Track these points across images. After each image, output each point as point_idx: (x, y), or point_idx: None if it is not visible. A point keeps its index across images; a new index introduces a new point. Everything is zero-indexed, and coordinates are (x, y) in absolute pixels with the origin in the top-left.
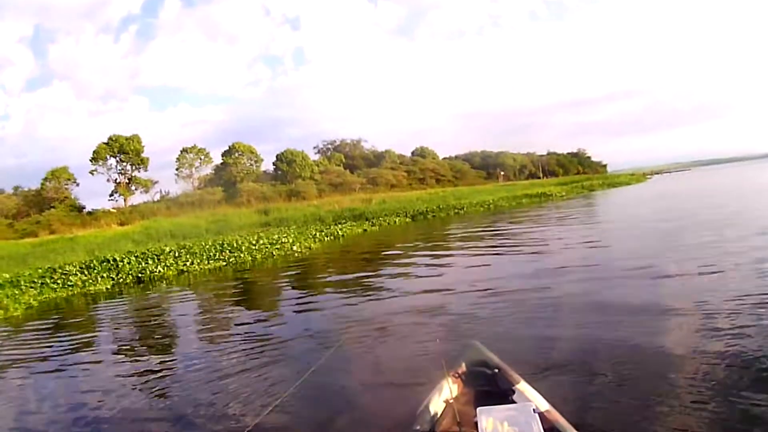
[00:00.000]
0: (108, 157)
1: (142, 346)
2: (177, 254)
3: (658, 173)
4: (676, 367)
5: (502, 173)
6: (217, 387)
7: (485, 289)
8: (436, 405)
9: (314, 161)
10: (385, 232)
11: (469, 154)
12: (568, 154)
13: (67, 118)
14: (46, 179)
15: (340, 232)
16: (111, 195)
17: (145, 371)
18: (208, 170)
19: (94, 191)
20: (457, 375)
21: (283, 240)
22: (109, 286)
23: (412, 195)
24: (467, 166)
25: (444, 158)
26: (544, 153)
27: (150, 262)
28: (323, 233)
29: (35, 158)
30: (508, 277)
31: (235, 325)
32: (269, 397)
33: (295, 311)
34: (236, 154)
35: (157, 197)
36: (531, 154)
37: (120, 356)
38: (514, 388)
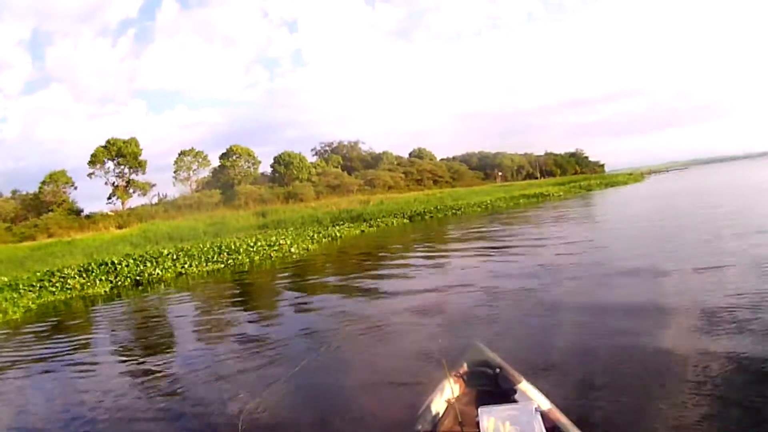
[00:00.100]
0: (106, 160)
1: (140, 347)
2: (175, 257)
3: (655, 173)
4: (675, 366)
5: (500, 174)
6: (216, 387)
7: (483, 289)
8: (438, 405)
9: (312, 163)
10: (383, 234)
11: (466, 155)
12: (566, 154)
13: (65, 122)
14: (44, 183)
15: (337, 234)
16: (109, 198)
17: (143, 372)
18: (205, 173)
19: (92, 194)
20: (458, 375)
21: (281, 242)
22: (107, 289)
23: (410, 196)
24: (465, 167)
25: (441, 159)
26: (542, 153)
27: (148, 264)
28: (321, 235)
29: (33, 162)
30: (506, 276)
31: (233, 326)
32: (268, 397)
33: (293, 312)
34: (234, 157)
35: (155, 200)
36: (528, 155)
37: (118, 358)
38: (515, 387)
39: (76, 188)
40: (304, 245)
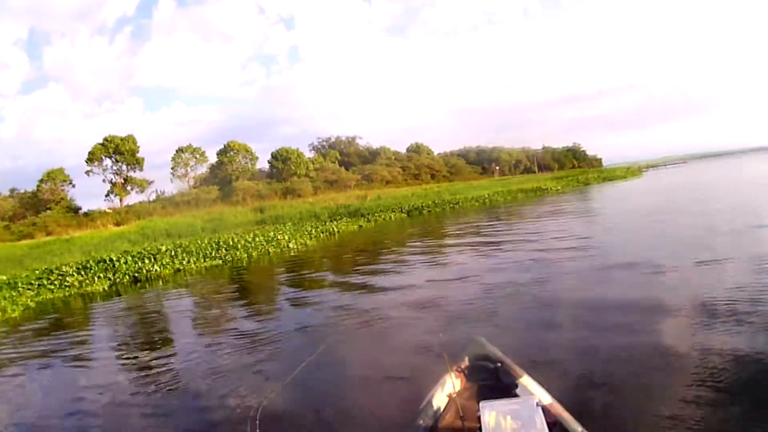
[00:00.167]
0: (103, 157)
1: (139, 344)
2: (173, 253)
3: (653, 167)
4: (673, 361)
5: (498, 168)
6: (214, 383)
7: (481, 284)
8: (439, 400)
9: (309, 159)
10: (381, 229)
11: (464, 150)
12: (564, 148)
13: (63, 120)
14: (42, 181)
15: (335, 229)
16: (107, 195)
17: (141, 368)
18: (203, 169)
19: (90, 192)
20: (459, 369)
21: (279, 237)
22: (106, 287)
23: (408, 191)
24: (462, 162)
25: (439, 154)
26: (540, 148)
27: (146, 261)
28: (319, 230)
29: (31, 160)
30: (504, 271)
31: (232, 321)
32: (267, 393)
33: (291, 307)
34: (231, 153)
35: (153, 197)
36: (526, 149)
37: (117, 354)
38: (517, 382)
39: (74, 186)
40: (302, 240)
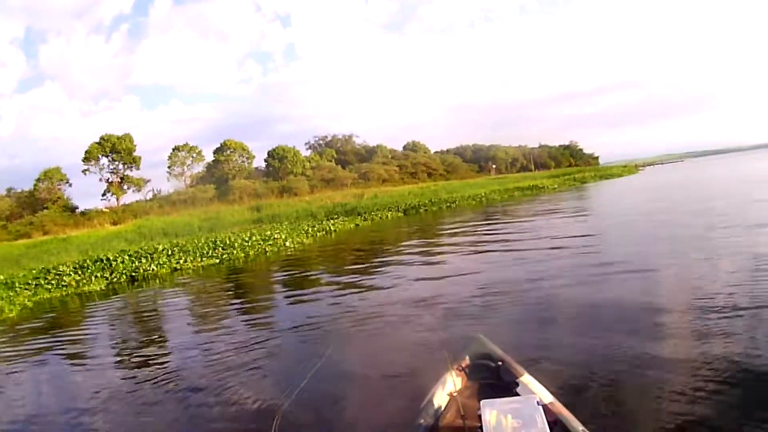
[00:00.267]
0: (100, 156)
1: (135, 344)
2: (170, 252)
3: (650, 165)
4: (670, 364)
5: (494, 166)
6: (213, 383)
7: (479, 282)
8: (440, 398)
9: (306, 157)
10: (378, 227)
11: (460, 148)
12: (560, 146)
13: (59, 119)
14: (38, 180)
15: (332, 228)
16: (103, 194)
17: (138, 369)
18: (200, 168)
19: (87, 191)
20: (460, 368)
21: (276, 236)
22: (103, 286)
23: (404, 189)
24: (459, 160)
25: (436, 152)
26: (536, 146)
27: (143, 260)
28: (315, 229)
29: (28, 159)
30: (501, 269)
31: (230, 321)
32: (267, 394)
33: (289, 306)
34: (228, 152)
35: (150, 196)
36: (523, 147)
37: (114, 354)
38: (518, 380)
39: (70, 185)
40: (298, 239)
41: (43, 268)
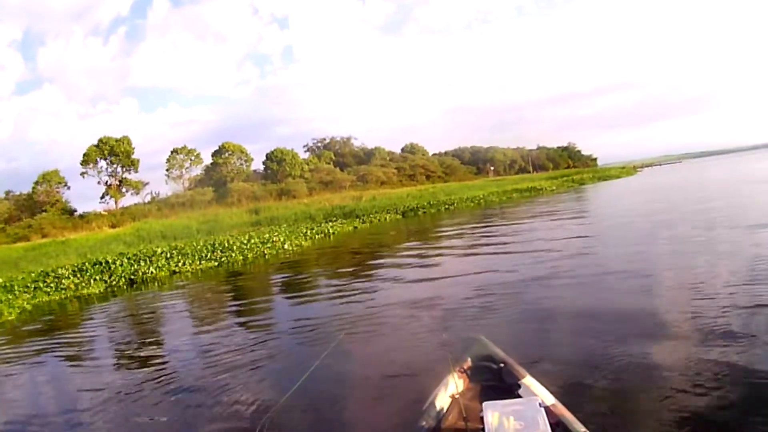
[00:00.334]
0: (98, 159)
1: (134, 346)
2: (169, 255)
3: (648, 166)
4: (671, 365)
5: (492, 168)
6: (211, 384)
7: (478, 284)
8: (442, 400)
9: (304, 160)
10: (376, 229)
11: (458, 150)
12: (558, 148)
13: (58, 121)
14: (37, 183)
15: (330, 230)
16: (102, 197)
17: (137, 370)
18: (198, 171)
19: (85, 194)
20: (462, 370)
21: (274, 239)
22: (102, 289)
23: (402, 192)
24: (457, 162)
25: (434, 154)
26: (534, 147)
27: (142, 263)
28: (314, 231)
29: (26, 162)
30: (500, 270)
31: (229, 323)
32: (266, 395)
33: (287, 308)
34: (226, 154)
35: (148, 199)
36: (521, 149)
37: (112, 356)
38: (520, 382)
39: (69, 188)
40: (297, 242)
41: (41, 271)
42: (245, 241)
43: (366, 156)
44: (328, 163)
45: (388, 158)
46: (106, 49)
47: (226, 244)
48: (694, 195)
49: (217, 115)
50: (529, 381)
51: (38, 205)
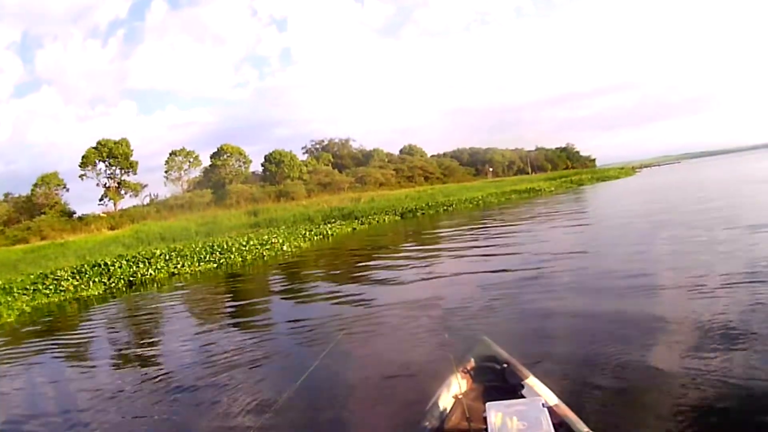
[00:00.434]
0: (97, 161)
1: (133, 347)
2: (167, 257)
3: (647, 166)
4: (669, 368)
5: (491, 169)
6: (209, 385)
7: (477, 284)
8: (445, 401)
9: (302, 161)
10: (375, 231)
11: (457, 151)
12: (557, 149)
13: (56, 124)
14: (36, 185)
15: (329, 232)
16: (101, 199)
17: (136, 372)
18: (196, 173)
19: (84, 196)
20: (465, 370)
21: (273, 240)
22: (101, 291)
23: (401, 193)
24: (456, 163)
25: (432, 156)
26: (533, 148)
27: (141, 265)
28: (313, 233)
29: (25, 164)
30: (497, 271)
31: (228, 324)
32: (265, 395)
33: (287, 309)
34: (225, 156)
35: (147, 201)
36: (519, 150)
37: (112, 358)
38: (523, 383)
39: (68, 190)
40: (296, 244)
41: (41, 273)
42: (244, 243)
43: (364, 158)
44: (327, 165)
45: (386, 160)
46: (104, 51)
47: (225, 246)
48: (692, 195)
49: (216, 117)
50: (532, 381)
51: (37, 208)
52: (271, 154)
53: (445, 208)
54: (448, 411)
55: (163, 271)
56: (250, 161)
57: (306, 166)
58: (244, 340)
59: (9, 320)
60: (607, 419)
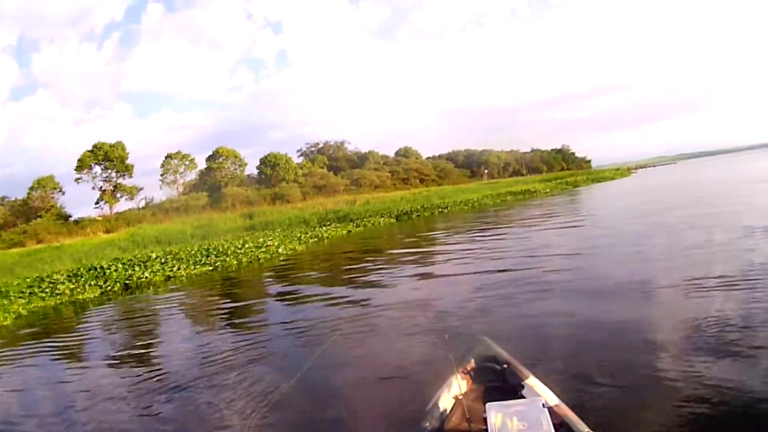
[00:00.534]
0: (93, 164)
1: (129, 349)
2: (163, 260)
3: (642, 167)
4: (669, 368)
5: (486, 171)
6: (205, 387)
7: (473, 285)
8: (445, 401)
9: (298, 164)
10: (370, 233)
11: (452, 153)
12: (552, 150)
13: (52, 127)
14: (32, 188)
15: (324, 234)
16: (96, 203)
17: (131, 374)
18: (192, 176)
19: (80, 200)
20: (465, 371)
21: (269, 243)
22: (97, 294)
23: (396, 195)
24: (451, 165)
25: (427, 158)
26: (528, 150)
27: (137, 268)
28: (308, 236)
29: (21, 168)
30: (495, 271)
31: (223, 326)
32: (260, 395)
33: (282, 311)
34: (220, 159)
35: (142, 204)
36: (515, 152)
37: (107, 360)
38: (523, 383)
39: (64, 193)
40: (291, 246)
41: (37, 276)
42: (240, 246)
43: (360, 160)
44: (322, 168)
45: (381, 162)
46: (100, 54)
47: (221, 249)
48: (689, 196)
49: (211, 119)
50: (532, 381)
51: (33, 211)
52: (266, 156)
53: (440, 210)
54: (448, 411)
55: (158, 274)
56: (246, 164)
57: (301, 168)
58: (239, 341)
59: (5, 323)
60: (608, 419)
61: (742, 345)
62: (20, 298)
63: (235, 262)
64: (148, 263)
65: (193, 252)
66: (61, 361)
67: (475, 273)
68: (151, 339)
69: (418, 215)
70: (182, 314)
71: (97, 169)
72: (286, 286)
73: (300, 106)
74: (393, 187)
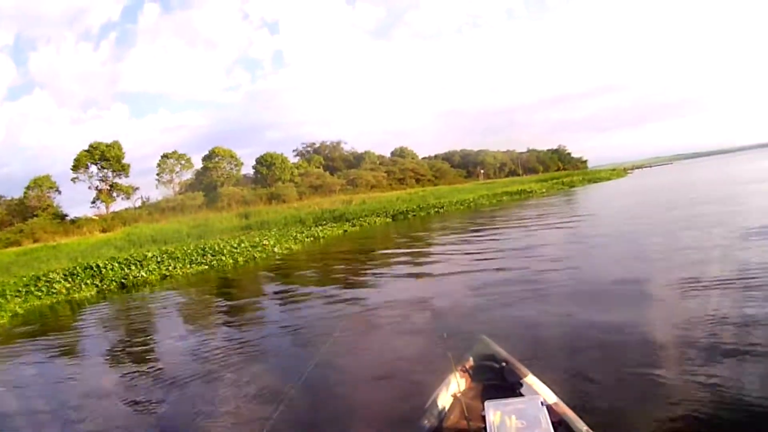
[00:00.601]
0: (89, 164)
1: (124, 349)
2: (159, 259)
3: (638, 168)
4: (668, 368)
5: (483, 171)
6: (202, 386)
7: (469, 284)
8: (444, 399)
9: (294, 164)
10: (366, 233)
11: (449, 153)
12: (549, 150)
13: (49, 127)
14: (28, 188)
15: (320, 234)
16: (93, 202)
17: (127, 373)
18: (188, 175)
19: (76, 199)
20: (464, 369)
21: (264, 242)
22: (93, 293)
23: (392, 195)
24: (447, 165)
25: (424, 158)
26: (525, 150)
27: (133, 267)
28: (304, 235)
29: (17, 167)
30: (492, 271)
31: (219, 325)
32: (257, 393)
33: (279, 310)
34: (216, 159)
35: (139, 203)
36: (511, 152)
37: (103, 360)
38: (521, 381)
39: (60, 193)
40: (287, 246)
41: (33, 275)
42: (236, 245)
43: (356, 160)
44: (318, 167)
45: (378, 162)
46: (97, 54)
47: (217, 248)
48: (685, 196)
49: (208, 119)
50: (531, 380)
51: (30, 210)
52: (262, 156)
53: (436, 210)
54: (446, 410)
55: (155, 273)
56: (242, 164)
57: (297, 168)
58: (235, 340)
59: (2, 322)
60: (606, 417)
61: (739, 344)
62: (17, 296)
63: (231, 261)
64: (144, 262)
65: (189, 251)
66: (57, 360)
67: (471, 272)
68: (147, 338)
69: (414, 215)
70: (178, 313)
71: (94, 168)
72: (281, 285)
73: (296, 107)
74: (389, 187)
